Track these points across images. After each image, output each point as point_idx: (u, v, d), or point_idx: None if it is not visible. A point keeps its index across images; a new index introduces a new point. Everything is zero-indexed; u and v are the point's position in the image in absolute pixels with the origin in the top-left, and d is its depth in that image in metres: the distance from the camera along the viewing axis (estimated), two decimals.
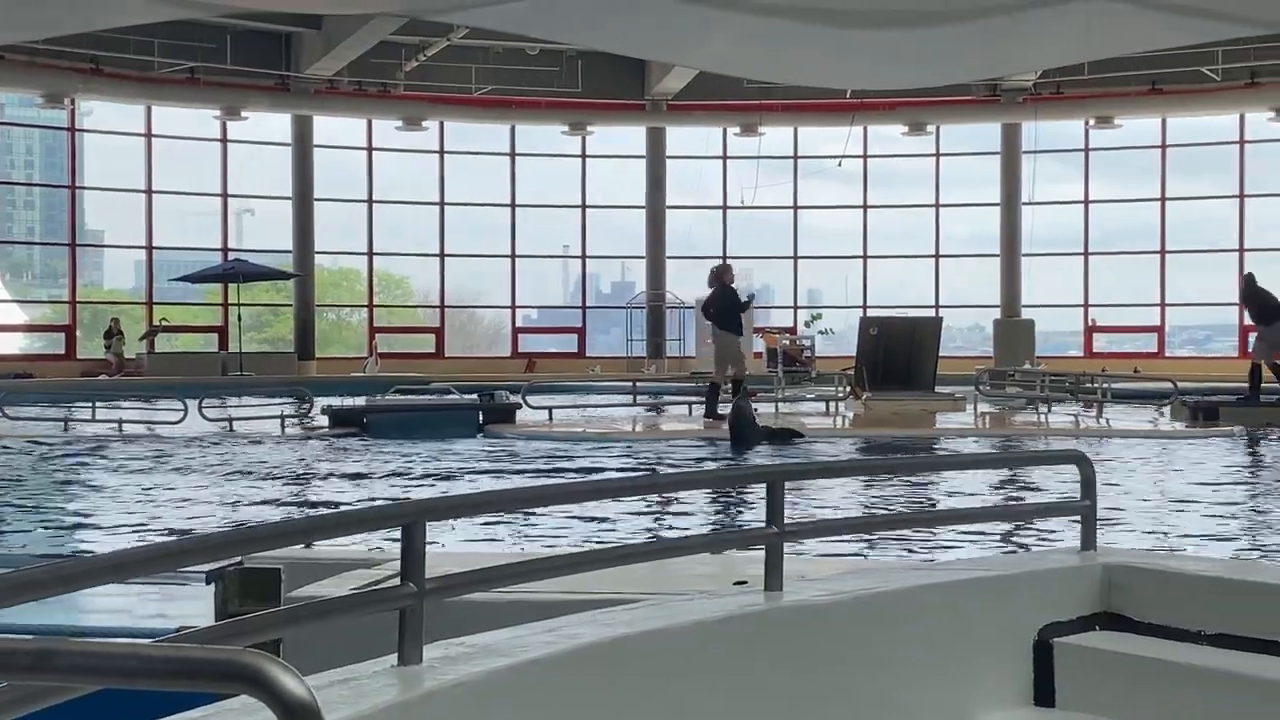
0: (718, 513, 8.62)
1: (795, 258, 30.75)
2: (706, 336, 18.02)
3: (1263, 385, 17.53)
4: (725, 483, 3.56)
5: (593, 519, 8.18)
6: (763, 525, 3.57)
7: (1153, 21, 12.35)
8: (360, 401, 17.20)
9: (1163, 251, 28.98)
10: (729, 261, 17.73)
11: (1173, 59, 25.27)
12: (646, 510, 8.75)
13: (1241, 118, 28.06)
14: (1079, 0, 11.67)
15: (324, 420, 16.61)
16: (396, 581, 2.91)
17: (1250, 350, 18.13)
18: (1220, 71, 26.21)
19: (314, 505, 9.81)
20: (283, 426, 16.44)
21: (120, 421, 16.59)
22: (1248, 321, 19.60)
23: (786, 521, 3.57)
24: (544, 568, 3.19)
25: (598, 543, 7.39)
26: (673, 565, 4.48)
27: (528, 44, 27.34)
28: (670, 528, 8.22)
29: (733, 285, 16.79)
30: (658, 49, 17.30)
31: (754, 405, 14.79)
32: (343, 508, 9.47)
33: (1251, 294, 18.13)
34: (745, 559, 4.75)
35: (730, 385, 15.95)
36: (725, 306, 16.31)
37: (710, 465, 12.55)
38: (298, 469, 12.74)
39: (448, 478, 11.48)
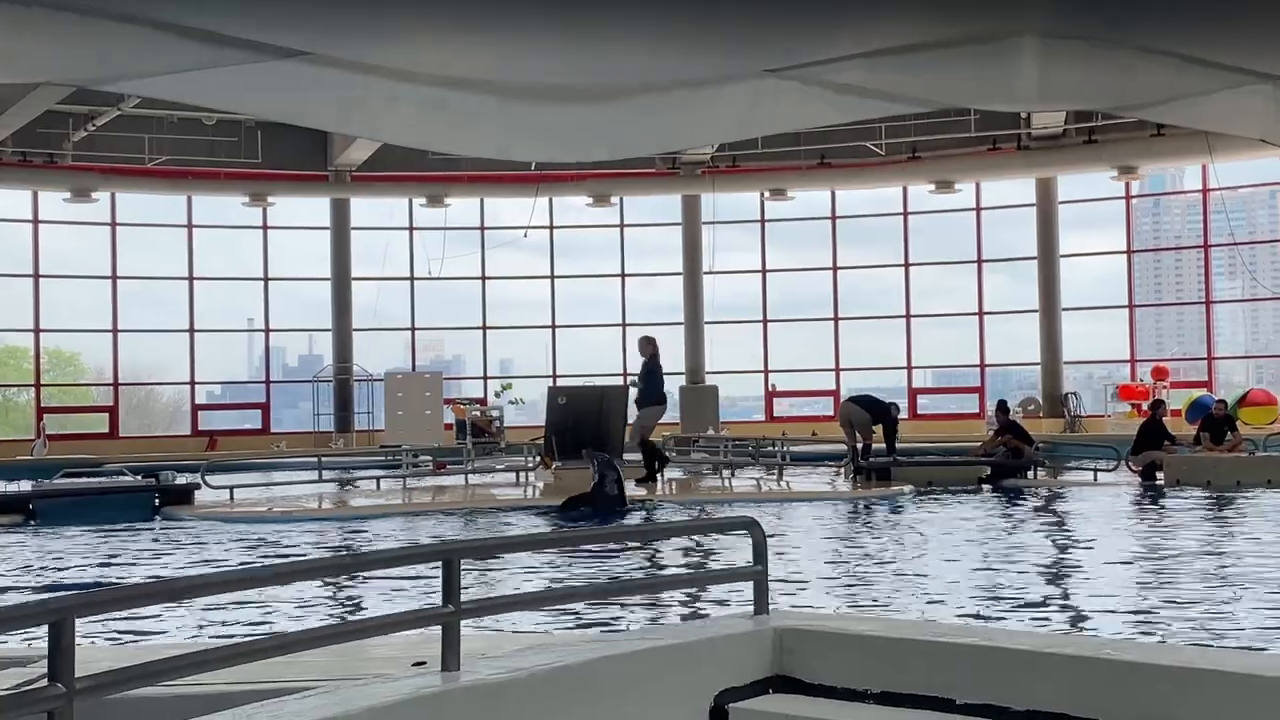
0: (412, 590, 8.49)
1: (484, 328, 30.81)
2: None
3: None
4: (398, 562, 3.51)
5: (273, 603, 7.95)
6: (439, 605, 3.53)
7: (815, 99, 12.91)
8: (26, 486, 16.30)
9: (835, 318, 30.22)
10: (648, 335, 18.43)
11: (840, 134, 26.54)
12: (332, 591, 8.55)
13: (905, 190, 29.59)
14: (745, 79, 12.10)
15: None
16: (45, 681, 2.74)
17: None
18: (884, 146, 27.64)
19: None
20: None
21: None
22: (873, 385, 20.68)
23: (464, 600, 3.53)
24: (207, 660, 3.06)
25: (275, 627, 7.19)
26: (353, 648, 4.37)
27: (204, 113, 26.69)
28: (354, 608, 8.05)
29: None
30: (331, 121, 17.14)
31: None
32: None
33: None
34: (423, 638, 4.68)
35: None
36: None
37: (392, 542, 12.37)
38: None
39: (116, 566, 10.96)
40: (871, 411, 19.29)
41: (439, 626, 3.57)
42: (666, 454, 16.95)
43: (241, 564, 10.37)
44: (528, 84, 12.24)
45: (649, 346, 17.94)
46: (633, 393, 18.09)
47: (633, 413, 17.68)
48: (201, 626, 7.42)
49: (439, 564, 3.60)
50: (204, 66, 11.23)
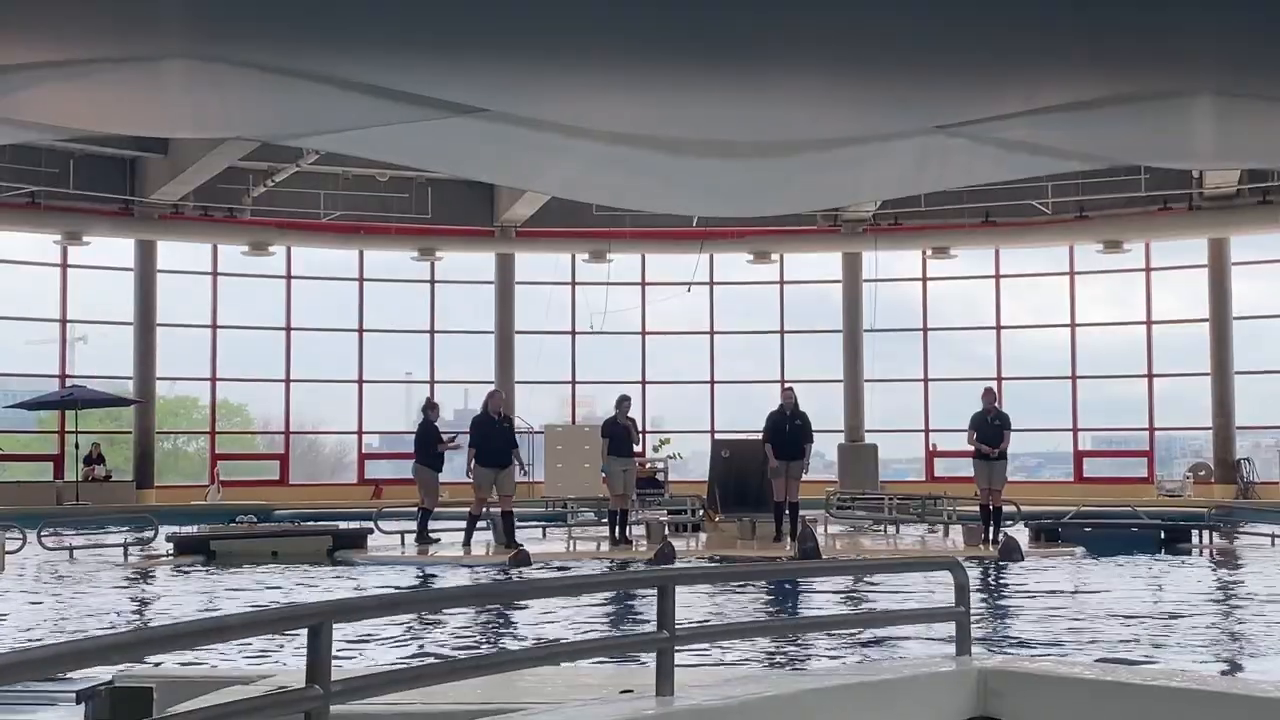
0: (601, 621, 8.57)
1: (644, 382, 31.00)
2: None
3: None
4: (615, 586, 3.58)
5: (471, 630, 8.06)
6: (653, 630, 3.61)
7: (984, 156, 12.87)
8: (206, 528, 16.89)
9: (999, 379, 29.79)
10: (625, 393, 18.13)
11: (1004, 192, 26.31)
12: (511, 621, 8.67)
13: (1071, 249, 29.18)
14: (914, 136, 12.12)
15: (168, 548, 16.23)
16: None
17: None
18: (1050, 205, 27.32)
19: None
20: (125, 555, 16.02)
21: None
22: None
23: (679, 626, 3.61)
24: (445, 670, 3.19)
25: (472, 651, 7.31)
26: (557, 675, 4.48)
27: (377, 170, 27.45)
28: (552, 637, 8.13)
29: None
30: (503, 174, 17.54)
31: None
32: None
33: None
34: (625, 670, 4.77)
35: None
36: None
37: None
38: (148, 596, 12.44)
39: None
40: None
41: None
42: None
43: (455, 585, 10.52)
44: (695, 140, 12.41)
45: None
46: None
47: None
48: (405, 645, 7.52)
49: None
50: (385, 123, 11.64)
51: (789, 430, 16.94)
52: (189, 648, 2.93)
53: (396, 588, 12.57)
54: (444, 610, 8.03)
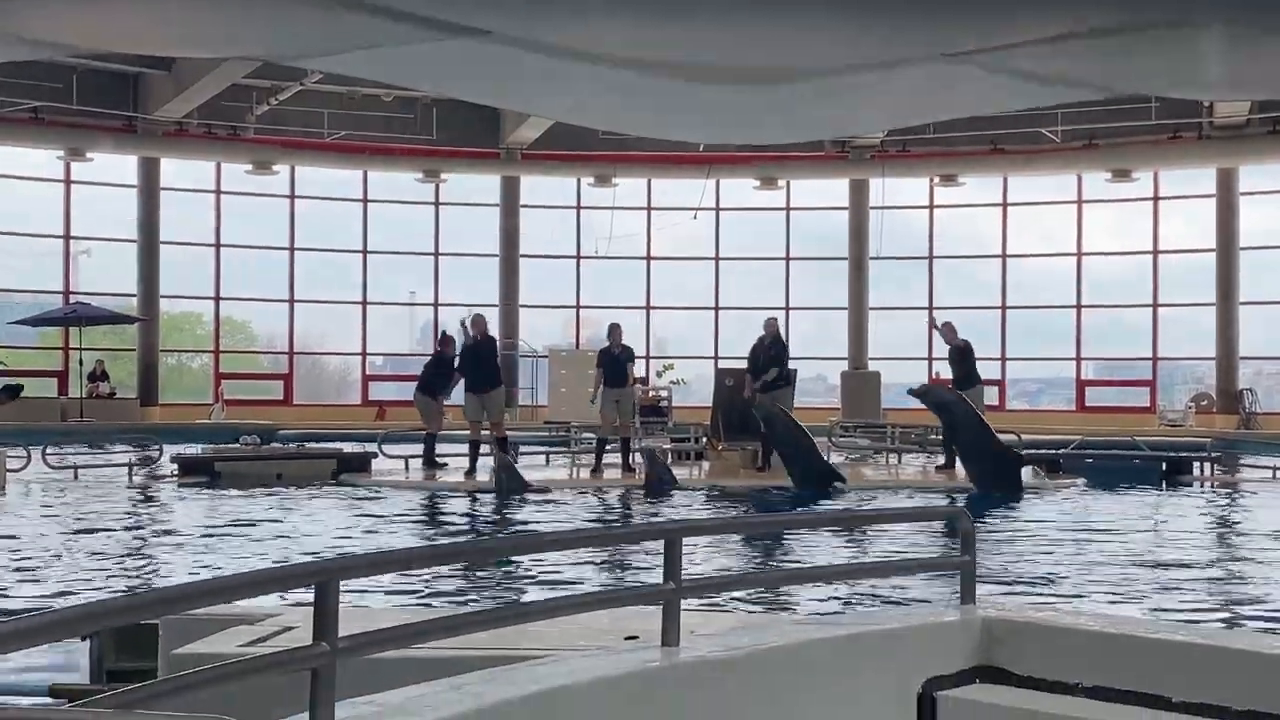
0: (604, 567, 8.60)
1: (648, 308, 30.97)
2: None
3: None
4: (622, 540, 3.62)
5: (463, 576, 8.12)
6: (659, 581, 3.63)
7: (995, 85, 12.70)
8: (210, 449, 16.94)
9: (1003, 307, 29.79)
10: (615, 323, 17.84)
11: (1013, 120, 26.13)
12: (521, 564, 8.70)
13: (1079, 178, 29.03)
14: (923, 64, 11.93)
15: (172, 468, 16.30)
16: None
17: None
18: (1059, 133, 27.14)
19: (212, 560, 9.57)
20: (130, 475, 16.09)
21: None
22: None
23: (685, 578, 3.62)
24: (451, 625, 3.20)
25: (487, 599, 7.34)
26: (563, 621, 4.50)
27: (382, 90, 27.26)
28: (556, 583, 8.18)
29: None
30: (509, 98, 17.37)
31: None
32: (221, 562, 9.31)
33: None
34: (628, 614, 4.79)
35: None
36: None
37: (577, 519, 12.55)
38: (160, 520, 12.51)
39: (313, 533, 11.34)
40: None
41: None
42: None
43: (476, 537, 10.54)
44: (704, 66, 12.27)
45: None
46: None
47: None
48: (393, 593, 7.59)
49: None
50: (387, 44, 11.50)
51: (763, 360, 17.08)
52: (198, 606, 2.93)
53: (401, 529, 12.64)
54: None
